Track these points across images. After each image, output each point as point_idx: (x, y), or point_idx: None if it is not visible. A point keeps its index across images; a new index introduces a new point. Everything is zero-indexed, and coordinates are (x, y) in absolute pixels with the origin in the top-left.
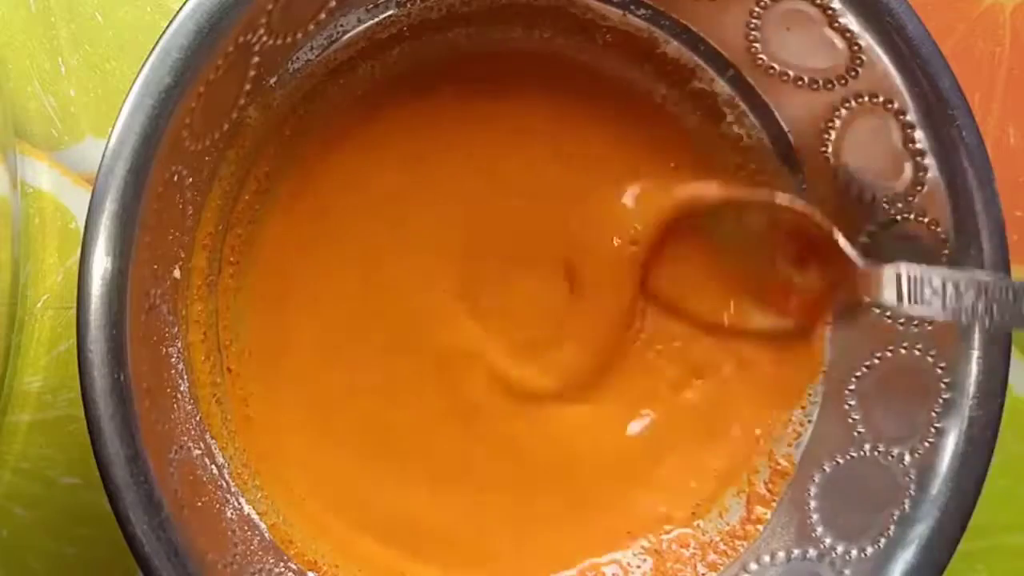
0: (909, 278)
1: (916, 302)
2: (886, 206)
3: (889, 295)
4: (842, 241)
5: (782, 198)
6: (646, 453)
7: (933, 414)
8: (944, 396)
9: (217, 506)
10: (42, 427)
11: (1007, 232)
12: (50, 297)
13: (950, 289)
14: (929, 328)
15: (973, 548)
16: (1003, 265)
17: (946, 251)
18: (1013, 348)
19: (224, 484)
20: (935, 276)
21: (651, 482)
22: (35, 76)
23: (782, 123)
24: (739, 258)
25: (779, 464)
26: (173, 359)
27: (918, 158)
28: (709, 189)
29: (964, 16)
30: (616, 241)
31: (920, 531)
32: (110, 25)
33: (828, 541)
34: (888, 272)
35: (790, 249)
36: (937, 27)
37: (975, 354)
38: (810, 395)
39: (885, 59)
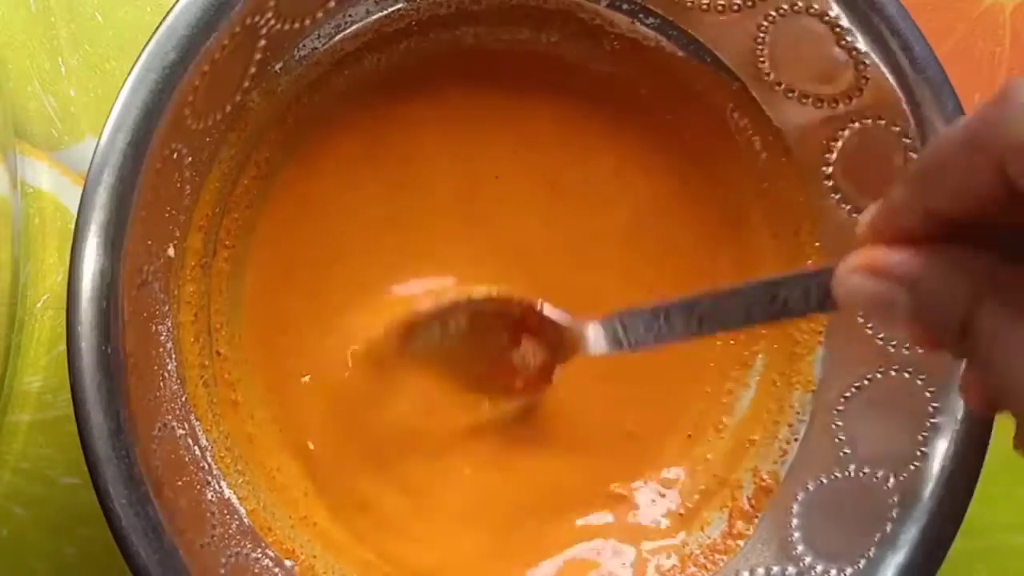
0: (620, 325)
1: (632, 345)
2: None
3: (602, 346)
4: (547, 309)
5: (478, 292)
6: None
7: (920, 438)
8: (932, 420)
9: (198, 487)
10: (42, 427)
11: None
12: (50, 297)
13: (661, 320)
14: (920, 351)
15: (973, 548)
16: None
17: None
18: None
19: (206, 466)
20: (644, 314)
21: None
22: (35, 76)
23: (784, 137)
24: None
25: (763, 480)
26: (162, 337)
27: None
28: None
29: (964, 16)
30: None
31: (901, 555)
32: (110, 25)
33: (808, 560)
34: (594, 327)
35: (500, 336)
36: (937, 27)
37: None
38: (798, 412)
39: (890, 79)
